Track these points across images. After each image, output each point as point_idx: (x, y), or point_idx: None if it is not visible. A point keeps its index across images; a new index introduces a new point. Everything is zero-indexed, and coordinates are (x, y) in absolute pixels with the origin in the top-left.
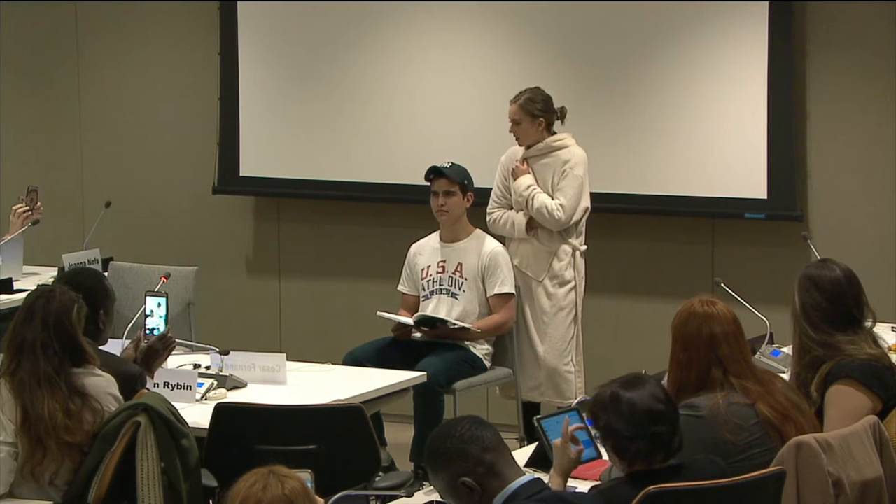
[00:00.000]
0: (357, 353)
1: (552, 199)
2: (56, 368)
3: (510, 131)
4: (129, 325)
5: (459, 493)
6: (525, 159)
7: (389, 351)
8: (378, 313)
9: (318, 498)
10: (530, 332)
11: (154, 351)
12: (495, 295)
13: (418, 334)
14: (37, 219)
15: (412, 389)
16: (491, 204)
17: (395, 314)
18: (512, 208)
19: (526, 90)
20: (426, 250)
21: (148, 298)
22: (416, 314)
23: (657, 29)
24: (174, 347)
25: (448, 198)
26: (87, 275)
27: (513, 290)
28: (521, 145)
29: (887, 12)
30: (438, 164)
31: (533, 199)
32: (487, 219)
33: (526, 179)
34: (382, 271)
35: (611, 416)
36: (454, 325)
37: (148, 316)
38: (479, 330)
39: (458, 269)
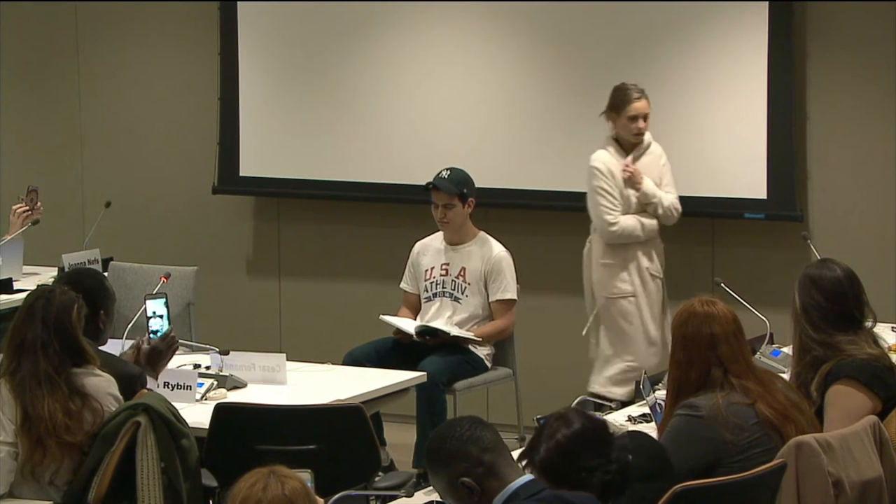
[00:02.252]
0: (356, 354)
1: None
2: (56, 368)
3: (641, 126)
4: (129, 326)
5: (459, 494)
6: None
7: (389, 351)
8: (381, 317)
9: (318, 498)
10: (648, 329)
11: (158, 352)
12: (497, 300)
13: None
14: (37, 219)
15: (413, 390)
16: (610, 213)
17: (397, 313)
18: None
19: (635, 85)
20: (430, 250)
21: (148, 301)
22: (418, 325)
23: (657, 29)
24: (177, 347)
25: (448, 210)
26: (87, 275)
27: (515, 297)
28: (640, 142)
29: (887, 12)
30: (435, 178)
31: (662, 199)
32: (612, 228)
33: (650, 182)
34: (382, 271)
35: (583, 456)
36: (455, 335)
37: (150, 318)
38: (480, 338)
39: (462, 273)
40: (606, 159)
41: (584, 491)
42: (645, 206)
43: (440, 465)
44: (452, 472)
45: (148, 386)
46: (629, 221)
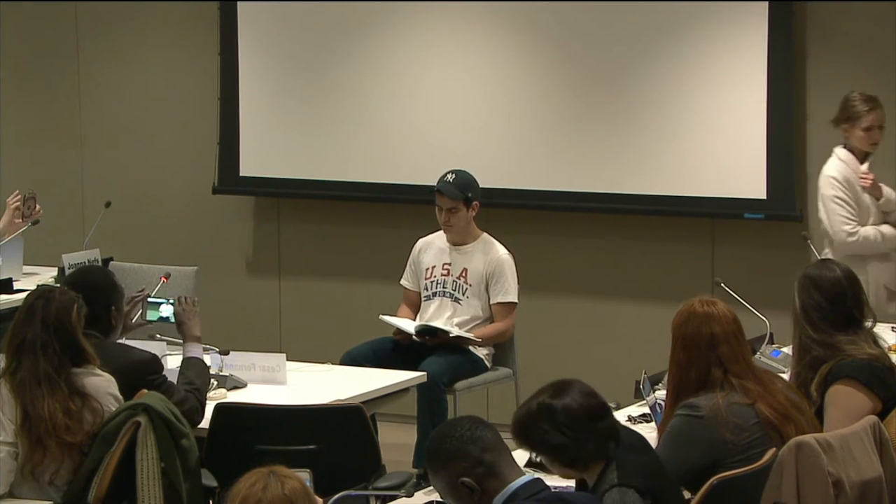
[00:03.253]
0: (354, 354)
1: None
2: (56, 368)
3: (877, 137)
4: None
5: (459, 494)
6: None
7: (387, 352)
8: (381, 317)
9: (317, 498)
10: None
11: (184, 314)
12: (498, 303)
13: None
14: (37, 219)
15: (415, 390)
16: (848, 223)
17: (396, 310)
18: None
19: (863, 93)
20: (432, 249)
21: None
22: (418, 324)
23: (657, 29)
24: (192, 299)
25: (452, 214)
26: (95, 272)
27: (516, 300)
28: (873, 151)
29: (887, 12)
30: (439, 182)
31: None
32: (850, 239)
33: (889, 189)
34: (382, 271)
35: (548, 432)
36: (455, 335)
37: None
38: (479, 339)
39: (463, 274)
40: (841, 168)
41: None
42: (886, 216)
43: (440, 464)
44: (452, 472)
45: (193, 353)
46: (868, 231)
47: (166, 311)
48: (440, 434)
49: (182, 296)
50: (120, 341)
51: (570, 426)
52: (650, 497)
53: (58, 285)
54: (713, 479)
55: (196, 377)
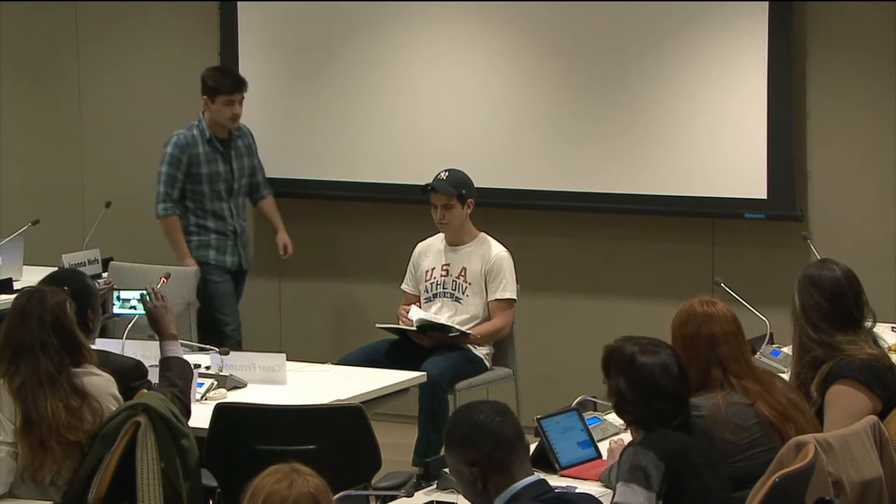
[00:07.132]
0: (350, 359)
1: None
2: (56, 367)
3: None
4: (129, 326)
5: (463, 478)
6: None
7: (381, 357)
8: (377, 325)
9: None
10: None
11: (157, 310)
12: (496, 300)
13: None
14: (37, 219)
15: (416, 390)
16: None
17: (395, 312)
18: None
19: None
20: (431, 252)
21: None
22: (418, 319)
23: (657, 28)
24: (161, 295)
25: (447, 211)
26: (71, 276)
27: (514, 296)
28: None
29: (887, 12)
30: (433, 180)
31: None
32: None
33: None
34: (382, 272)
35: (619, 377)
36: (455, 331)
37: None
38: (478, 336)
39: (462, 273)
40: None
41: None
42: None
43: (452, 445)
44: (460, 457)
45: (172, 352)
46: None
47: (134, 302)
48: (462, 414)
49: (149, 290)
50: (101, 348)
51: (634, 385)
52: (668, 467)
53: (43, 286)
54: (775, 478)
55: (177, 377)
